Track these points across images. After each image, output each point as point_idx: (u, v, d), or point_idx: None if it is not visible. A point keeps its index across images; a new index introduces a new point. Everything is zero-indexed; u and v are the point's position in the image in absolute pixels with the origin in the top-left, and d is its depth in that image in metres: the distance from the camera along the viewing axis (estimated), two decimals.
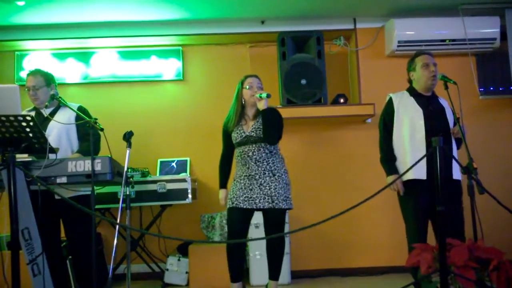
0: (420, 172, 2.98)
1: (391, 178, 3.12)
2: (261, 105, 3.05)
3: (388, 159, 3.19)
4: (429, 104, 3.13)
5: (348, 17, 4.59)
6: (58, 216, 3.15)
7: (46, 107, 3.17)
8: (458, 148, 3.17)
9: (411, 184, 3.07)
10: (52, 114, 3.18)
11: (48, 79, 3.23)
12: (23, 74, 4.57)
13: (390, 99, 3.26)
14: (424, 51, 3.28)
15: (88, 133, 2.83)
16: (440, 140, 2.35)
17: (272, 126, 3.06)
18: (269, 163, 3.10)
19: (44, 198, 2.65)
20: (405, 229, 3.15)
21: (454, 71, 4.15)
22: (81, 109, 3.24)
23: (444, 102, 3.20)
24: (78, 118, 3.13)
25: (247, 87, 3.14)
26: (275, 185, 3.06)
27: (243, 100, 3.16)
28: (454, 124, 3.06)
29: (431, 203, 2.99)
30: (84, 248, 3.08)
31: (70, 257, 3.44)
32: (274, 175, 3.08)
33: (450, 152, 2.97)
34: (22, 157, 2.65)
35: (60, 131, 3.12)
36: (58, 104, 3.22)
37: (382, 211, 4.34)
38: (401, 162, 3.13)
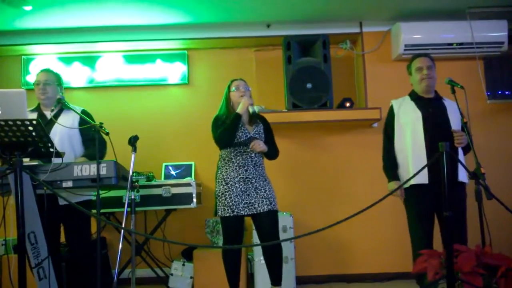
0: (421, 177, 2.91)
1: (391, 184, 3.12)
2: (248, 109, 3.18)
3: (389, 167, 3.19)
4: (429, 106, 3.10)
5: (354, 21, 4.57)
6: (59, 221, 3.13)
7: (52, 110, 3.16)
8: (464, 153, 3.10)
9: (413, 190, 3.03)
10: (55, 117, 3.14)
11: (59, 79, 3.31)
12: (30, 78, 4.59)
13: (391, 106, 3.25)
14: (420, 53, 3.28)
15: (93, 138, 2.81)
16: (447, 146, 2.33)
17: (275, 150, 3.30)
18: (263, 168, 3.24)
19: (49, 202, 2.64)
20: (409, 235, 3.11)
21: (462, 75, 4.11)
22: (84, 112, 3.22)
23: (450, 103, 3.11)
24: (82, 122, 3.10)
25: (234, 89, 3.23)
26: (269, 187, 3.17)
27: (231, 102, 3.24)
28: (462, 129, 2.99)
29: (435, 208, 2.96)
30: (85, 254, 3.09)
31: (63, 263, 3.39)
32: (265, 180, 3.20)
33: (456, 155, 2.93)
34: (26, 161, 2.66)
35: (63, 135, 3.08)
36: (61, 107, 3.17)
37: (388, 216, 4.30)
38: (404, 168, 3.10)
